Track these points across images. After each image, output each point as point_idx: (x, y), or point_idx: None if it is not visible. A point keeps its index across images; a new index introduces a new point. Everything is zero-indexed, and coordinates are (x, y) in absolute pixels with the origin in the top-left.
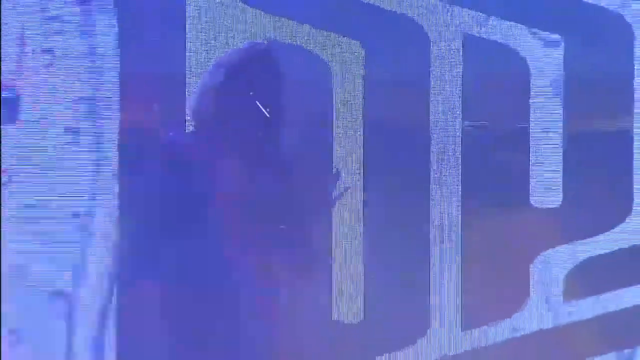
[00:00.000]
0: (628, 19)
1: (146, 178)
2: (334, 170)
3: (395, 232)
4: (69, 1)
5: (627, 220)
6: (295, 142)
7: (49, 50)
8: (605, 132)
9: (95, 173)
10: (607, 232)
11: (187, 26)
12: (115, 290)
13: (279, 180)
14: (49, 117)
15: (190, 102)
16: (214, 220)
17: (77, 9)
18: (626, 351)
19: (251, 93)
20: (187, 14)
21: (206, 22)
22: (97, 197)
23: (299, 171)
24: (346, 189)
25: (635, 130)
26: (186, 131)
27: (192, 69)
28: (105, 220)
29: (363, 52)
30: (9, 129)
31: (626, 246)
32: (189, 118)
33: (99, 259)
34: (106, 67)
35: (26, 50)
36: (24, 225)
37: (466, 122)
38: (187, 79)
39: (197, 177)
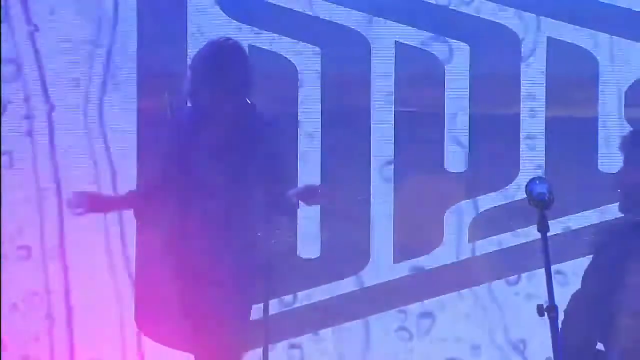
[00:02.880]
0: (515, 30)
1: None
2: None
3: (345, 189)
4: None
5: (515, 180)
6: (265, 119)
7: None
8: (500, 115)
9: None
10: (500, 190)
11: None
12: None
13: (249, 142)
14: None
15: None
16: (203, 170)
17: None
18: (512, 277)
19: (249, 101)
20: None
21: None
22: None
23: (267, 135)
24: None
25: (521, 113)
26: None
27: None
28: None
29: (320, 54)
30: None
31: (514, 199)
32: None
33: None
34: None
35: None
36: None
37: (399, 108)
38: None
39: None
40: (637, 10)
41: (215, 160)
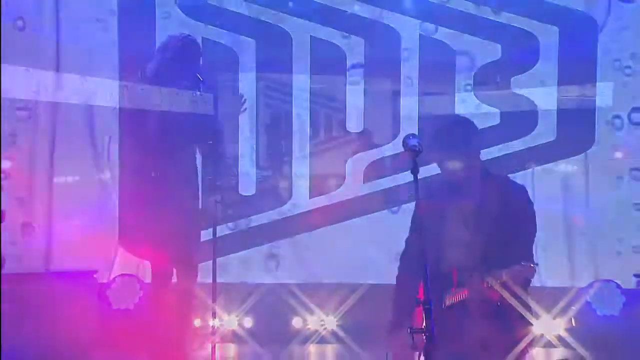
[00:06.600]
0: (397, 29)
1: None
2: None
3: (273, 145)
4: None
5: (397, 138)
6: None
7: None
8: (386, 91)
9: None
10: (386, 145)
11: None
12: None
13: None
14: None
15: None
16: (164, 132)
17: None
18: (395, 208)
19: (201, 78)
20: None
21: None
22: None
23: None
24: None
25: (401, 90)
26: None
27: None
28: None
29: (254, 45)
30: None
31: (398, 152)
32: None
33: None
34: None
35: None
36: None
37: (313, 85)
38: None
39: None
40: (483, 16)
41: (177, 122)
